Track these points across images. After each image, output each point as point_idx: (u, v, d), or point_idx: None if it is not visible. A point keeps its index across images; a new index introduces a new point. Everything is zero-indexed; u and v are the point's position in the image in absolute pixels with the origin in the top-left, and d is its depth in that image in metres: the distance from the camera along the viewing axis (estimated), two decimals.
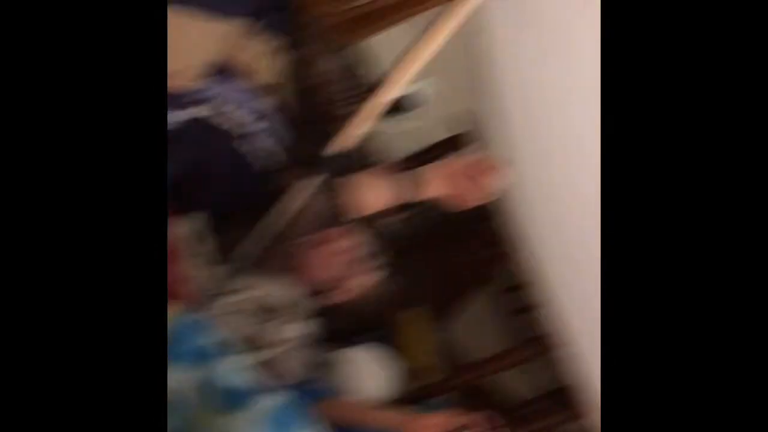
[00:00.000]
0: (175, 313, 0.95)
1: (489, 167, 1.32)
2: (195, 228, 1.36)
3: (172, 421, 0.82)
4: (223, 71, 1.35)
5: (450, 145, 1.96)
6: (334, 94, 1.46)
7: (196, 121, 1.20)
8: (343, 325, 1.57)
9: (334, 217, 1.35)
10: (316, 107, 1.49)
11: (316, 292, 1.53)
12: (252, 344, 1.36)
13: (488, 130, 1.78)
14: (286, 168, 1.41)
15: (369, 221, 1.50)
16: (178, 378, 0.87)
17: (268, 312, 1.43)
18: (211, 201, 1.34)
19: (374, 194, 1.37)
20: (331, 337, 1.59)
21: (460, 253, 2.36)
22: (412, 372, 1.77)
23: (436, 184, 1.35)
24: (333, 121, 1.47)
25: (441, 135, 1.99)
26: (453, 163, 1.36)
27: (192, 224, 1.36)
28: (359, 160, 1.55)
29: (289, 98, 1.52)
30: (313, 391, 1.44)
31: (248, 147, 1.35)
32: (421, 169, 1.39)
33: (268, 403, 0.83)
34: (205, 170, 1.28)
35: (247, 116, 1.30)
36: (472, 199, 1.33)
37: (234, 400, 0.85)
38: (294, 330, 1.42)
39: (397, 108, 1.15)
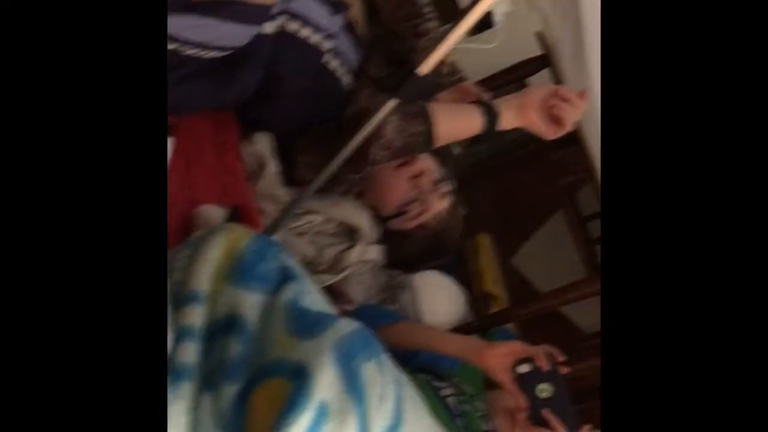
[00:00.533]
0: (248, 235, 0.94)
1: (566, 97, 1.28)
2: (268, 146, 1.35)
3: (241, 345, 0.83)
4: None
5: (527, 69, 1.89)
6: (412, 11, 1.40)
7: (284, 34, 1.17)
8: (413, 250, 1.57)
9: (410, 142, 1.32)
10: (395, 24, 1.44)
11: (388, 217, 1.53)
12: (323, 267, 1.36)
13: (565, 56, 1.70)
14: (365, 88, 1.38)
15: (443, 148, 1.47)
16: (250, 301, 0.87)
17: (341, 235, 1.43)
18: (289, 118, 1.32)
19: (450, 123, 1.33)
20: (400, 262, 1.59)
21: (534, 181, 2.31)
22: (479, 299, 1.76)
23: (511, 115, 1.31)
24: (412, 39, 1.43)
25: (517, 57, 1.91)
26: (529, 93, 1.32)
27: (265, 142, 1.35)
28: (436, 83, 1.51)
29: (369, 15, 1.47)
30: (380, 315, 1.45)
31: (335, 64, 1.32)
32: (497, 101, 1.35)
33: (340, 329, 0.82)
34: (288, 86, 1.25)
35: (334, 31, 1.26)
36: (548, 130, 1.30)
37: (305, 324, 0.84)
38: (365, 253, 1.42)
39: (475, 28, 1.09)
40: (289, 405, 0.74)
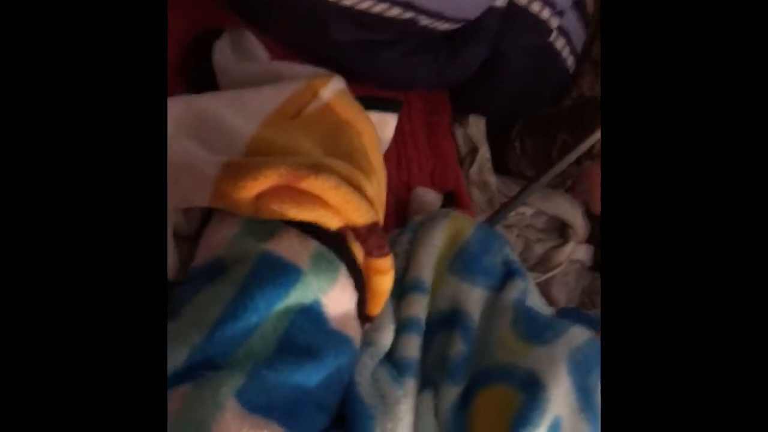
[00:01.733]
0: (472, 224, 0.87)
1: None
2: (482, 130, 1.28)
3: (464, 344, 0.76)
4: None
5: None
6: None
7: (513, 8, 1.08)
8: None
9: None
10: None
11: (599, 216, 1.40)
12: (531, 264, 1.27)
13: None
14: (588, 73, 1.26)
15: None
16: (474, 296, 0.80)
17: (551, 231, 1.32)
18: (507, 101, 1.23)
19: None
20: None
21: None
22: None
23: None
24: None
25: None
26: None
27: (479, 126, 1.28)
28: None
29: None
30: (583, 321, 1.33)
31: (561, 43, 1.21)
32: None
33: (575, 338, 0.72)
34: (510, 65, 1.16)
35: (564, 7, 1.16)
36: None
37: (536, 328, 0.76)
38: (575, 253, 1.31)
39: None
40: (521, 418, 0.66)
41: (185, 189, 0.64)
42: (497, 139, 1.35)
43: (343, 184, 0.63)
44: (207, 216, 0.67)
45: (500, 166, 1.36)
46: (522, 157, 1.26)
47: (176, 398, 0.51)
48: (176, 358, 0.53)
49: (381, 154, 0.83)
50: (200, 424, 0.50)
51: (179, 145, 0.65)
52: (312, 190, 0.63)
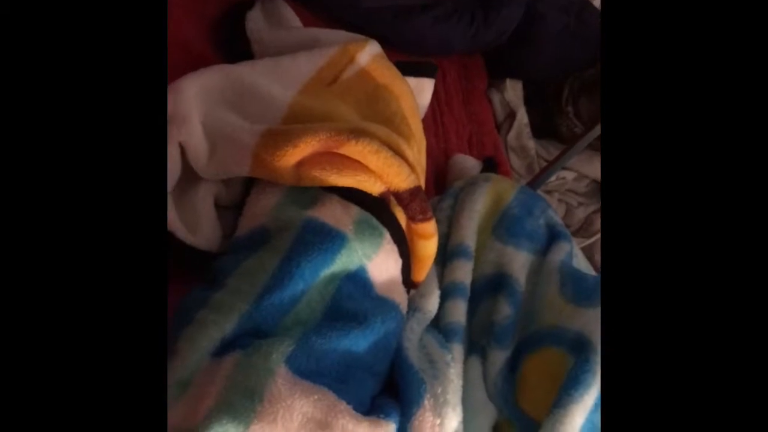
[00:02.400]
0: (513, 187, 0.85)
1: None
2: (519, 94, 1.25)
3: (510, 307, 0.75)
4: None
5: None
6: None
7: None
8: None
9: None
10: None
11: None
12: (573, 228, 1.25)
13: None
14: None
15: None
16: (519, 259, 0.79)
17: (592, 195, 1.30)
18: (546, 63, 1.21)
19: None
20: None
21: None
22: None
23: None
24: None
25: None
26: None
27: (516, 90, 1.25)
28: None
29: None
30: None
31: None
32: None
33: None
34: (548, 26, 1.14)
35: None
36: None
37: (583, 290, 0.74)
38: None
39: None
40: (573, 380, 0.65)
41: (225, 159, 0.63)
42: (535, 102, 1.32)
43: (383, 149, 0.62)
44: (248, 185, 0.67)
45: (538, 131, 1.33)
46: (576, 121, 1.23)
47: (227, 366, 0.51)
48: (225, 326, 0.53)
49: (420, 119, 0.82)
50: (253, 391, 0.49)
51: (217, 115, 0.65)
52: (352, 156, 0.62)
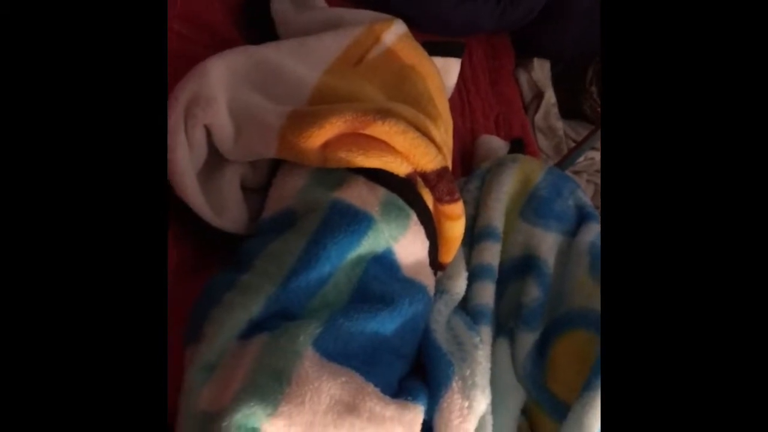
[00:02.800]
0: (541, 168, 0.84)
1: None
2: (547, 74, 1.23)
3: (539, 289, 0.74)
4: None
5: None
6: None
7: None
8: None
9: None
10: None
11: None
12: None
13: None
14: None
15: None
16: (548, 241, 0.78)
17: None
18: (574, 42, 1.19)
19: None
20: None
21: None
22: None
23: None
24: None
25: None
26: None
27: (544, 70, 1.23)
28: None
29: None
30: None
31: None
32: None
33: None
34: (576, 3, 1.12)
35: None
36: None
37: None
38: None
39: None
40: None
41: (251, 141, 0.63)
42: (563, 82, 1.30)
43: (410, 129, 0.62)
44: (275, 167, 0.66)
45: (566, 111, 1.31)
46: (599, 101, 1.21)
47: (254, 348, 0.51)
48: (252, 308, 0.53)
49: (446, 99, 0.81)
50: (280, 373, 0.49)
51: (243, 97, 0.64)
52: (379, 136, 0.61)
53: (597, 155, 1.24)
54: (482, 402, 0.59)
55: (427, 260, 0.65)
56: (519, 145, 1.03)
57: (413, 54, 0.76)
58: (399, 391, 0.56)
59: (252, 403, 0.47)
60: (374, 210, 0.60)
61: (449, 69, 0.92)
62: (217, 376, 0.51)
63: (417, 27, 0.91)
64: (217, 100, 0.62)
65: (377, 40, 0.75)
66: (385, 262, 0.61)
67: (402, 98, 0.70)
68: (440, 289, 0.68)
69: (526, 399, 0.69)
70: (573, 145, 1.23)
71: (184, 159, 0.60)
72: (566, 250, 0.79)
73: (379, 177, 0.62)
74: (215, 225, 0.62)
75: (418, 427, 0.54)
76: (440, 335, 0.63)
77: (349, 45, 0.73)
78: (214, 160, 0.64)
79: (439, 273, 0.70)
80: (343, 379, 0.51)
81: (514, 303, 0.75)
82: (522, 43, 1.25)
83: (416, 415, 0.53)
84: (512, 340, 0.72)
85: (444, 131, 0.73)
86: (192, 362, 0.52)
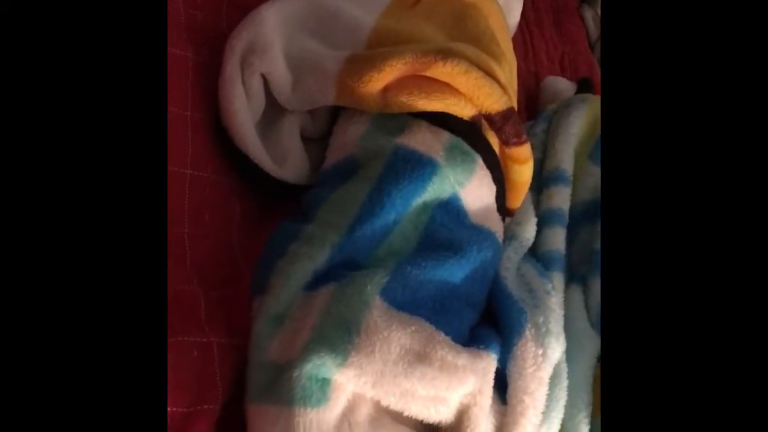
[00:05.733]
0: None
1: None
2: None
3: None
4: None
5: None
6: None
7: None
8: None
9: None
10: None
11: None
12: None
13: None
14: None
15: None
16: None
17: None
18: None
19: None
20: None
21: None
22: None
23: None
24: None
25: None
26: None
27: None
28: None
29: None
30: None
31: None
32: None
33: None
34: None
35: None
36: None
37: None
38: None
39: None
40: None
41: (310, 89, 0.61)
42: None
43: (473, 69, 0.59)
44: (335, 115, 0.65)
45: None
46: None
47: (322, 299, 0.50)
48: (317, 258, 0.52)
49: (510, 39, 0.77)
50: (349, 323, 0.48)
51: (300, 43, 0.63)
52: (440, 78, 0.59)
53: None
54: (557, 349, 0.57)
55: (494, 206, 0.63)
56: (587, 85, 0.98)
57: None
58: (470, 339, 0.55)
59: (322, 353, 0.47)
60: (438, 155, 0.58)
61: (511, 8, 0.88)
62: (285, 328, 0.50)
63: None
64: (273, 47, 0.60)
65: None
66: (451, 208, 0.59)
67: (463, 38, 0.67)
68: (509, 236, 0.66)
69: (600, 346, 0.66)
70: None
71: (243, 109, 0.59)
72: None
73: (442, 120, 0.60)
74: (277, 176, 0.61)
75: (491, 375, 0.52)
76: (511, 282, 0.61)
77: None
78: (273, 110, 0.63)
79: (508, 219, 0.68)
80: (413, 328, 0.50)
81: (586, 248, 0.72)
82: None
83: (489, 363, 0.52)
84: (585, 287, 0.70)
85: (508, 71, 0.70)
86: (260, 313, 0.51)
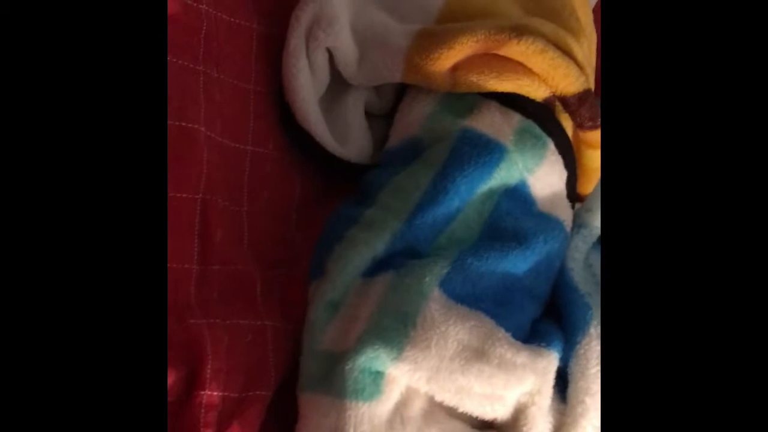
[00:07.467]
0: None
1: None
2: None
3: None
4: None
5: None
6: None
7: None
8: None
9: None
10: None
11: None
12: None
13: None
14: None
15: None
16: None
17: None
18: None
19: None
20: None
21: None
22: None
23: None
24: None
25: None
26: None
27: None
28: None
29: None
30: None
31: None
32: None
33: None
34: None
35: None
36: None
37: None
38: None
39: None
40: None
41: (376, 64, 0.59)
42: None
43: (549, 48, 0.55)
44: (401, 92, 0.62)
45: None
46: None
47: (379, 287, 0.49)
48: (376, 246, 0.51)
49: (590, 10, 0.72)
50: (405, 315, 0.47)
51: (367, 16, 0.60)
52: (514, 57, 0.56)
53: None
54: None
55: (564, 192, 0.60)
56: None
57: None
58: (531, 334, 0.53)
59: (377, 345, 0.46)
60: (508, 139, 0.55)
61: None
62: (341, 316, 0.49)
63: None
64: (339, 20, 0.58)
65: None
66: (518, 195, 0.56)
67: (540, 12, 0.63)
68: (578, 223, 0.63)
69: None
70: None
71: (307, 85, 0.57)
72: None
73: (513, 102, 0.57)
74: (338, 155, 0.59)
75: (552, 375, 0.50)
76: (577, 274, 0.58)
77: None
78: (337, 85, 0.61)
79: (577, 205, 0.65)
80: (472, 323, 0.48)
81: None
82: None
83: (550, 362, 0.50)
84: None
85: (587, 48, 0.66)
86: (316, 298, 0.51)
